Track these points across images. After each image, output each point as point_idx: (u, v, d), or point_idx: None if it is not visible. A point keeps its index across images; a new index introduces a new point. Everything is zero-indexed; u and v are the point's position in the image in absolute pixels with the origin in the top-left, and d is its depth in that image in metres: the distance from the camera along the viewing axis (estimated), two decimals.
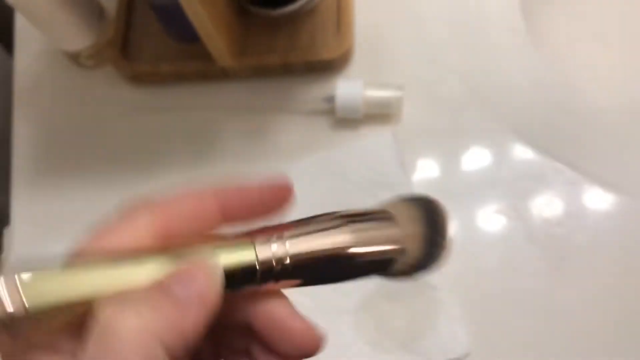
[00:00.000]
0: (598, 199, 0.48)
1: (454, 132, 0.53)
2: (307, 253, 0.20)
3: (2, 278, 0.16)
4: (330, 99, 0.53)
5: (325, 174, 0.51)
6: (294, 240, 0.20)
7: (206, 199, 0.21)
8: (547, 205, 0.48)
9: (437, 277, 0.46)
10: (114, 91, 0.59)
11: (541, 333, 0.44)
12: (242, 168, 0.54)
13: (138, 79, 0.58)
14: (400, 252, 0.22)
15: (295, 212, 0.42)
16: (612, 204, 0.48)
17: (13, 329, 0.16)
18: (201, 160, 0.56)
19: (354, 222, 0.22)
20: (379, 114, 0.53)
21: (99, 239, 0.19)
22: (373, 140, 0.52)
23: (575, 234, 0.47)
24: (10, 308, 0.16)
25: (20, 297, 0.16)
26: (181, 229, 0.20)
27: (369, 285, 0.47)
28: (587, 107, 0.52)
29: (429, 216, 0.24)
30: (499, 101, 0.53)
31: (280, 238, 0.20)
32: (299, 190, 0.47)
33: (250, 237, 0.20)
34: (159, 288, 0.18)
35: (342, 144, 0.53)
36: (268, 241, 0.20)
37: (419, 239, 0.23)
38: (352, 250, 0.21)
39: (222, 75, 0.57)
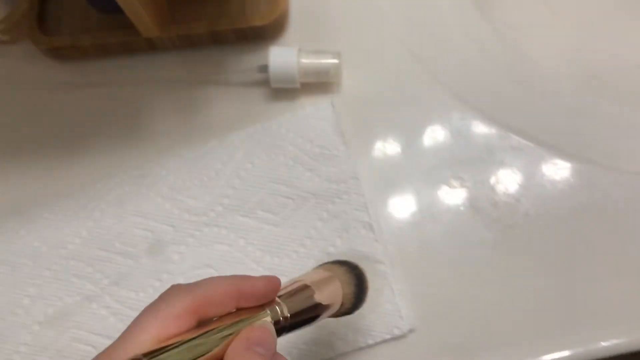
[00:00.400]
0: (545, 165, 0.47)
1: (398, 101, 0.51)
2: (297, 308, 0.31)
3: None
4: (264, 68, 0.50)
5: (261, 146, 0.48)
6: (286, 302, 0.30)
7: (228, 288, 0.29)
8: (493, 174, 0.47)
9: (381, 251, 0.44)
10: (32, 67, 0.55)
11: (488, 304, 0.43)
12: (175, 144, 0.51)
13: (58, 53, 0.55)
14: (342, 304, 0.36)
15: (235, 186, 0.47)
16: (560, 170, 0.46)
17: None
18: (130, 139, 0.52)
19: (318, 287, 0.33)
20: (317, 83, 0.51)
21: (150, 318, 0.26)
22: (311, 110, 0.50)
23: (522, 202, 0.46)
24: None
25: None
26: (210, 310, 0.28)
27: (309, 264, 0.45)
28: (534, 74, 0.51)
29: (358, 278, 0.38)
30: (444, 69, 0.52)
31: (278, 304, 0.30)
32: (235, 164, 0.48)
33: (262, 308, 0.29)
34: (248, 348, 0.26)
35: (279, 115, 0.50)
36: (274, 307, 0.30)
37: (352, 296, 0.37)
38: (321, 303, 0.33)
39: (148, 47, 0.54)
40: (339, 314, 0.37)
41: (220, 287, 0.28)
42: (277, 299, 0.30)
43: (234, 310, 0.29)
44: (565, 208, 0.45)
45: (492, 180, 0.46)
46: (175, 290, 0.28)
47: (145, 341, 0.25)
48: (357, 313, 0.39)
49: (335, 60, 0.49)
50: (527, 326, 0.42)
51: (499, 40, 0.52)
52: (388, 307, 0.43)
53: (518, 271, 0.43)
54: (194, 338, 0.26)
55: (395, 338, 0.42)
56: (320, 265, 0.39)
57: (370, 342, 0.42)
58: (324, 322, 0.40)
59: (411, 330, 0.42)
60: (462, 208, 0.46)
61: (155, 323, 0.26)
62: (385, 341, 0.42)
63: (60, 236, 0.46)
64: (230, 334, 0.27)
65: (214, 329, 0.27)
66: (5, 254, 0.47)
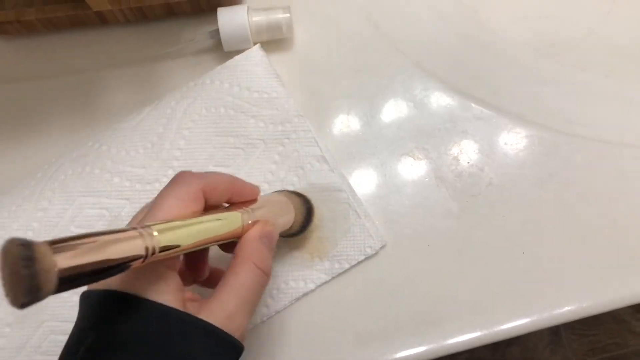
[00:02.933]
0: (508, 134, 0.47)
1: (357, 69, 0.50)
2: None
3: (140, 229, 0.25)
4: (215, 33, 0.48)
5: (199, 103, 0.47)
6: (256, 210, 0.34)
7: (228, 180, 0.33)
8: (456, 144, 0.47)
9: (338, 179, 0.45)
10: None
11: (455, 275, 0.43)
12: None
13: (1, 29, 0.51)
14: (291, 227, 0.40)
15: (181, 147, 0.47)
16: (522, 138, 0.47)
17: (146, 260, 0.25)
18: (83, 120, 0.50)
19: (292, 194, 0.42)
20: (270, 42, 0.50)
21: (168, 197, 0.30)
22: (241, 59, 0.48)
23: (485, 171, 0.46)
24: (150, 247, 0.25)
25: (153, 240, 0.25)
26: (213, 196, 0.32)
27: None
28: (494, 42, 0.50)
29: (304, 200, 0.42)
30: (405, 38, 0.51)
31: (252, 209, 0.34)
32: (176, 125, 0.47)
33: (236, 208, 0.33)
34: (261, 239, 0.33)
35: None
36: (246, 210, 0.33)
37: (303, 214, 0.41)
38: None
39: (99, 21, 0.51)
40: (286, 234, 0.41)
41: (223, 178, 0.33)
42: (251, 205, 0.35)
43: (227, 204, 0.35)
44: (528, 176, 0.45)
45: (456, 150, 0.46)
46: (188, 174, 0.31)
47: (171, 216, 0.29)
48: (330, 242, 0.43)
49: (286, 15, 0.48)
50: (493, 294, 0.42)
51: (458, 9, 0.51)
52: (356, 230, 0.44)
53: (483, 240, 0.44)
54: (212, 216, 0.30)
55: (370, 257, 0.43)
56: (281, 191, 0.43)
57: (347, 266, 0.43)
58: (302, 259, 0.43)
59: (383, 247, 0.44)
60: (426, 179, 0.46)
61: (176, 202, 0.29)
62: (360, 263, 0.43)
63: (10, 234, 0.44)
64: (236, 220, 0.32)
65: (224, 212, 0.32)
66: None
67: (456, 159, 0.46)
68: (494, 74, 0.49)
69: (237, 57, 0.48)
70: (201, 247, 0.29)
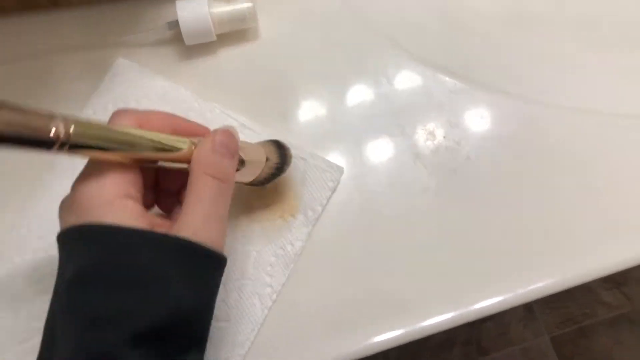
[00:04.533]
0: (483, 107, 0.45)
1: (326, 49, 0.47)
2: None
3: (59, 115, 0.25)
4: (174, 25, 0.44)
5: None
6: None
7: (166, 116, 0.32)
8: (432, 119, 0.45)
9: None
10: None
11: (435, 253, 0.41)
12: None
13: None
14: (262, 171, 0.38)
15: None
16: (498, 110, 0.45)
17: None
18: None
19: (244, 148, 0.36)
20: (234, 33, 0.46)
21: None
22: (110, 76, 0.46)
23: (462, 145, 0.44)
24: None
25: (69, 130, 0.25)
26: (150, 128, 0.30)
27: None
28: (466, 15, 0.49)
29: (278, 145, 0.40)
30: (375, 13, 0.49)
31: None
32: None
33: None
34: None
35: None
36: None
37: (276, 153, 0.39)
38: (243, 158, 0.36)
39: (49, 4, 0.48)
40: (267, 177, 0.39)
41: (159, 112, 0.32)
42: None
43: None
44: (505, 148, 0.44)
45: (432, 125, 0.45)
46: (122, 110, 0.30)
47: None
48: (293, 197, 0.42)
49: (249, 4, 0.45)
50: (474, 272, 0.41)
51: None
52: (311, 173, 0.43)
53: (462, 216, 0.42)
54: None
55: (334, 189, 0.42)
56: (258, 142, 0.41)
57: (319, 208, 0.42)
58: (277, 226, 0.41)
59: (342, 171, 0.43)
60: (403, 156, 0.44)
61: None
62: (331, 200, 0.42)
63: None
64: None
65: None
66: None
67: (432, 134, 0.44)
68: (467, 47, 0.48)
69: (106, 78, 0.45)
70: (142, 161, 0.29)
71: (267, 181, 0.39)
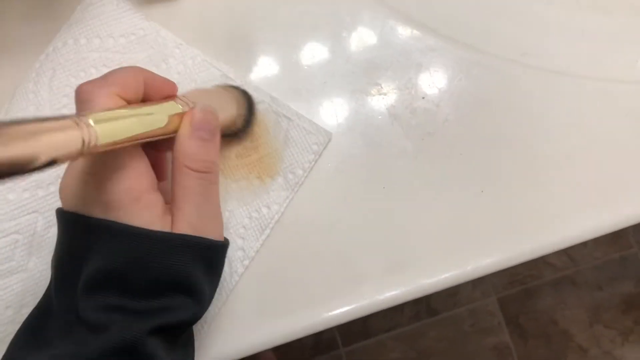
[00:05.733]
0: (464, 67, 0.43)
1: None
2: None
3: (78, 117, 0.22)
4: None
5: (65, 72, 0.39)
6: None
7: (138, 72, 0.29)
8: (411, 79, 0.42)
9: (252, 90, 0.41)
10: None
11: (413, 217, 0.40)
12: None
13: None
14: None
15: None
16: (478, 71, 0.43)
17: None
18: None
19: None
20: None
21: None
22: (84, 6, 0.41)
23: (441, 107, 0.42)
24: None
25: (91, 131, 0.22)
26: (127, 95, 0.28)
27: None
28: None
29: (241, 92, 0.38)
30: None
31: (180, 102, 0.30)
32: (49, 107, 0.40)
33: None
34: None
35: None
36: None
37: (245, 106, 0.37)
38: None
39: None
40: (230, 132, 0.37)
41: (128, 73, 0.29)
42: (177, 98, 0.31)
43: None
44: (486, 110, 0.42)
45: (410, 85, 0.42)
46: (87, 89, 0.27)
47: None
48: (273, 156, 0.40)
49: None
50: (452, 236, 0.40)
51: None
52: (294, 133, 0.40)
53: (440, 180, 0.41)
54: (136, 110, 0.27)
55: (319, 153, 0.40)
56: (213, 87, 0.39)
57: (300, 172, 0.40)
58: (253, 187, 0.39)
59: (329, 137, 0.41)
60: (379, 117, 0.41)
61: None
62: (314, 164, 0.40)
63: None
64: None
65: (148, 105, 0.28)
66: None
67: (410, 94, 0.42)
68: (450, 4, 0.45)
69: (78, 7, 0.41)
70: (142, 141, 0.27)
71: (235, 134, 0.38)
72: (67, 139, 0.21)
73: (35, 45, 0.40)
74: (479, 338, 1.36)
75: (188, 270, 0.28)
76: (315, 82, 0.42)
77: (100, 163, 0.27)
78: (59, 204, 0.36)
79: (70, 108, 0.38)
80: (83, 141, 0.22)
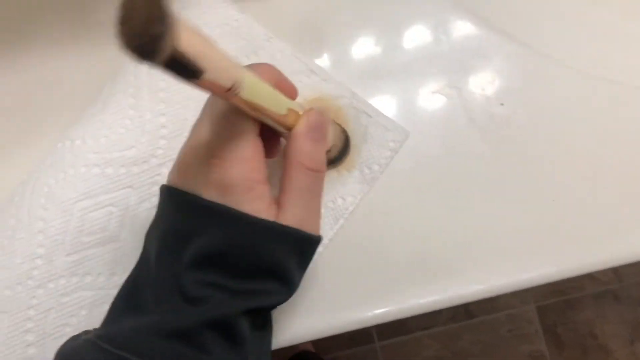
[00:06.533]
0: (542, 74, 0.43)
1: None
2: None
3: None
4: None
5: None
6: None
7: (273, 71, 0.32)
8: (489, 82, 0.43)
9: (334, 87, 0.42)
10: None
11: (485, 221, 0.41)
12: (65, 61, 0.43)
13: None
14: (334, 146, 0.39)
15: (164, 112, 0.41)
16: (559, 80, 0.43)
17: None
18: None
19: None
20: None
21: None
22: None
23: (516, 112, 0.43)
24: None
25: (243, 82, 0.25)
26: None
27: None
28: None
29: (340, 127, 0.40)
30: None
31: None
32: (147, 91, 0.41)
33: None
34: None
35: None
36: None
37: (342, 139, 0.39)
38: None
39: None
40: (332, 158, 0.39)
41: (268, 67, 0.32)
42: None
43: None
44: (564, 122, 0.42)
45: (489, 90, 0.43)
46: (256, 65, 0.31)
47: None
48: (352, 150, 0.41)
49: None
50: (522, 241, 0.40)
51: None
52: (373, 129, 0.41)
53: (514, 186, 0.41)
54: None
55: (396, 150, 0.42)
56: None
57: (377, 167, 0.41)
58: (330, 178, 0.41)
59: (407, 135, 0.42)
60: (457, 120, 0.42)
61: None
62: (390, 161, 0.41)
63: (15, 272, 0.37)
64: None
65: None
66: None
67: (489, 99, 0.43)
68: (535, 11, 0.46)
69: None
70: (264, 120, 0.29)
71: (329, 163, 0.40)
72: (227, 72, 0.24)
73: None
74: (515, 344, 1.36)
75: (286, 259, 0.30)
76: (396, 81, 0.43)
77: (227, 149, 0.29)
78: (151, 181, 0.39)
79: (168, 92, 0.40)
80: (232, 84, 0.24)
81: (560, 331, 1.36)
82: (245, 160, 0.29)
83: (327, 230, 0.40)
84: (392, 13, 0.45)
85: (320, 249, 0.39)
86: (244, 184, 0.29)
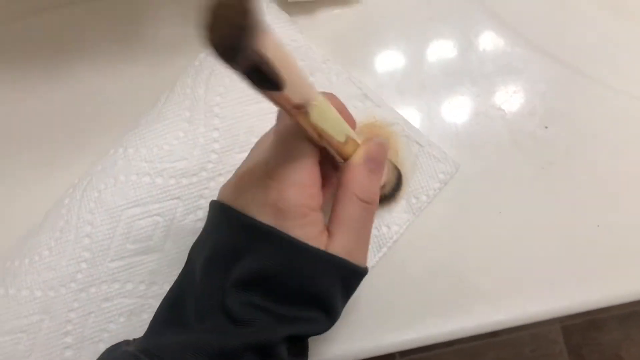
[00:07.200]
0: (588, 98, 0.43)
1: (427, 18, 0.45)
2: None
3: None
4: None
5: (217, 75, 0.41)
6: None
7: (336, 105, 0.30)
8: (533, 105, 0.43)
9: (387, 113, 0.42)
10: None
11: (526, 245, 0.41)
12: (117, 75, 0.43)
13: None
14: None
15: (217, 126, 0.41)
16: (604, 104, 0.43)
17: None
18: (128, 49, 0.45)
19: None
20: None
21: None
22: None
23: (561, 135, 0.42)
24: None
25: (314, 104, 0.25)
26: None
27: None
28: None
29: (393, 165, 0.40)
30: None
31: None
32: (203, 105, 0.41)
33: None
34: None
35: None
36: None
37: (395, 176, 0.40)
38: None
39: None
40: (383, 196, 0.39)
41: (333, 96, 0.31)
42: None
43: None
44: (607, 144, 0.42)
45: (533, 112, 0.43)
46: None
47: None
48: (403, 176, 0.40)
49: None
50: (565, 267, 0.40)
51: None
52: (423, 159, 0.41)
53: (556, 210, 0.41)
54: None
55: (445, 182, 0.41)
56: None
57: (424, 198, 0.41)
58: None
59: (457, 167, 0.41)
60: (501, 141, 0.42)
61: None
62: (437, 192, 0.41)
63: (60, 274, 0.37)
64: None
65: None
66: (14, 322, 0.37)
67: (533, 122, 0.43)
68: (580, 33, 0.45)
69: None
70: (325, 145, 0.29)
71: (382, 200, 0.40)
72: (302, 89, 0.24)
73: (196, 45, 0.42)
74: None
75: (332, 288, 0.30)
76: (440, 102, 0.43)
77: (286, 173, 0.28)
78: (198, 194, 0.39)
79: (222, 107, 0.40)
80: (304, 102, 0.24)
81: (585, 352, 1.33)
82: (303, 186, 0.29)
83: (370, 257, 0.39)
84: (438, 34, 0.45)
85: None
86: (299, 209, 0.28)
